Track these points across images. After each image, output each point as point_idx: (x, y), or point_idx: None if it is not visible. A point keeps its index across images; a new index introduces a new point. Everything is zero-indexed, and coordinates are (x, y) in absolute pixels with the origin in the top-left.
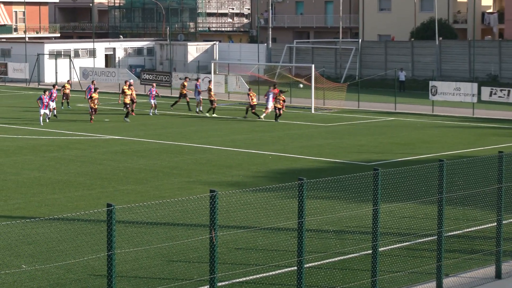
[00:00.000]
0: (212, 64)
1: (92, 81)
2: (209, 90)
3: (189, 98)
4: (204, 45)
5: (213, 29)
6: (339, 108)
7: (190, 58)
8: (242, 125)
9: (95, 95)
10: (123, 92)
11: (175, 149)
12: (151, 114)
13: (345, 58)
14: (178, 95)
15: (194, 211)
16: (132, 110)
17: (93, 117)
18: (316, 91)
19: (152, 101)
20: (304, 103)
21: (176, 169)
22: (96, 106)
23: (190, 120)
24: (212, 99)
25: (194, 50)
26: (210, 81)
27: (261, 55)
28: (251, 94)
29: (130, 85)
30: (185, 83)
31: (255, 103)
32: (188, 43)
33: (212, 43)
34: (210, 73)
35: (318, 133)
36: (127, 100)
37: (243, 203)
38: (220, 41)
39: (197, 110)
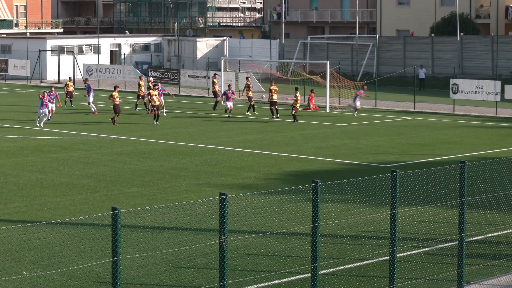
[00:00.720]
0: (222, 60)
1: (86, 80)
2: (213, 83)
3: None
4: (214, 41)
5: (223, 24)
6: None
7: (199, 54)
8: (253, 125)
9: (115, 94)
10: (149, 94)
11: (183, 150)
12: (164, 114)
13: (362, 55)
14: (212, 95)
15: (203, 215)
16: (149, 110)
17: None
18: (331, 89)
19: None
20: (320, 102)
21: (184, 170)
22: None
23: (199, 120)
24: (215, 91)
25: (204, 46)
26: (215, 75)
27: (273, 51)
28: (273, 90)
29: (154, 85)
30: (215, 80)
31: (276, 100)
32: (197, 39)
33: (222, 38)
34: (220, 70)
35: (333, 133)
36: (156, 102)
37: (254, 207)
38: (230, 37)
39: (228, 115)
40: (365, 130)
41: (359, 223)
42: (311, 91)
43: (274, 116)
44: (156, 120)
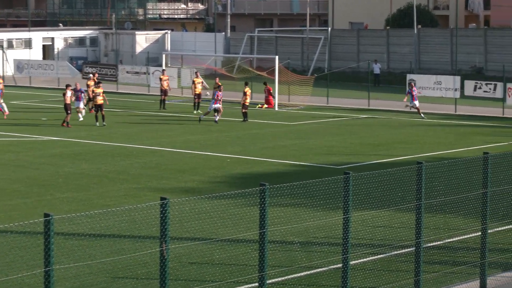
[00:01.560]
0: (164, 55)
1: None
2: (160, 80)
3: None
4: (154, 35)
5: (165, 16)
6: (306, 104)
7: (139, 49)
8: (197, 125)
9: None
10: (93, 92)
11: (121, 152)
12: (216, 120)
13: (313, 49)
14: (161, 93)
15: (143, 221)
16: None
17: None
18: (280, 86)
19: (215, 106)
20: (260, 99)
21: (123, 174)
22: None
23: (138, 119)
24: (164, 88)
25: (143, 40)
26: (163, 70)
27: (218, 45)
28: (247, 92)
29: (98, 82)
30: (163, 77)
31: (248, 102)
32: (137, 32)
33: (163, 32)
34: (161, 65)
35: (282, 132)
36: (100, 101)
37: (198, 212)
38: (172, 30)
39: (216, 120)
40: (316, 129)
41: (309, 228)
42: (265, 83)
43: (245, 119)
44: (102, 121)
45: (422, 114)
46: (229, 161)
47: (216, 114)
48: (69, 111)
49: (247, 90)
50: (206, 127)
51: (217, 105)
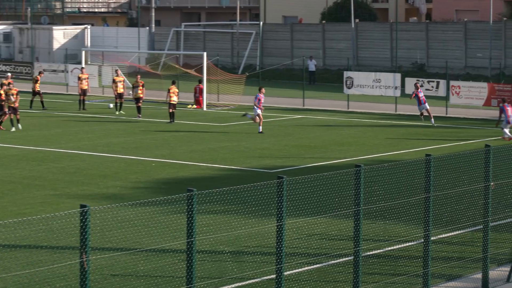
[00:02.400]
0: (83, 52)
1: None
2: (36, 81)
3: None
4: (73, 30)
5: (84, 10)
6: (237, 104)
7: (56, 45)
8: (119, 126)
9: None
10: (6, 94)
11: (37, 156)
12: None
13: (244, 45)
14: (114, 95)
15: (61, 231)
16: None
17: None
18: (209, 84)
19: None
20: (191, 99)
21: (39, 179)
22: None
23: (57, 120)
24: (38, 90)
25: (61, 35)
26: (41, 72)
27: (142, 41)
28: (172, 90)
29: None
30: (117, 78)
31: (175, 102)
32: (54, 27)
33: (82, 27)
34: (80, 63)
35: (211, 134)
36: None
37: (121, 220)
38: (92, 25)
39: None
40: (248, 130)
41: (241, 237)
42: (199, 81)
43: (171, 120)
44: (17, 124)
45: (432, 120)
46: (154, 165)
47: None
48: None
49: (172, 88)
50: (130, 128)
51: (259, 111)
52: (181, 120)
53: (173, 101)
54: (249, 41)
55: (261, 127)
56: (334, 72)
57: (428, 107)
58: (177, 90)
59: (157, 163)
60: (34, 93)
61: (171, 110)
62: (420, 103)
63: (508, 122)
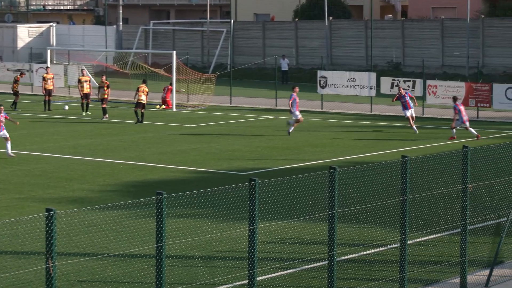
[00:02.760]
0: (48, 51)
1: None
2: (15, 81)
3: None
4: (38, 28)
5: (49, 7)
6: (207, 104)
7: (21, 43)
8: (86, 127)
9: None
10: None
11: (1, 158)
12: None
13: (214, 43)
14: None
15: (27, 236)
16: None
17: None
18: (178, 84)
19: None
20: (157, 99)
21: (4, 182)
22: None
23: (21, 121)
24: (16, 90)
25: (26, 33)
26: (83, 70)
27: (109, 39)
28: (141, 89)
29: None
30: (82, 78)
31: (144, 101)
32: (18, 25)
33: (48, 25)
34: (45, 62)
35: (181, 135)
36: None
37: (88, 225)
38: (58, 23)
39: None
40: (218, 131)
41: (212, 241)
42: (171, 84)
43: (138, 121)
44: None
45: (414, 127)
46: (122, 168)
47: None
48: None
49: (141, 86)
50: (97, 130)
51: (298, 113)
52: (149, 121)
53: (142, 100)
54: (219, 40)
55: (292, 128)
56: (307, 72)
57: (409, 114)
58: (147, 90)
59: (125, 165)
60: (15, 93)
61: (137, 110)
62: (403, 107)
63: (463, 122)
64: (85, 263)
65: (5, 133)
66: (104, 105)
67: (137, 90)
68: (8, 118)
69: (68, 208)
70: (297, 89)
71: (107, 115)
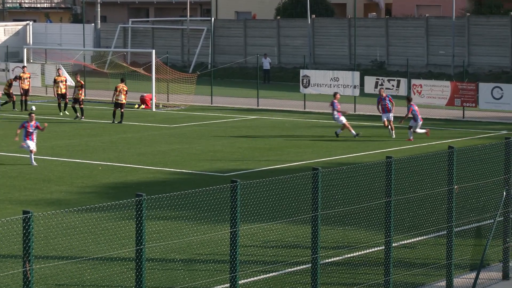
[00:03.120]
0: (25, 50)
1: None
2: (20, 78)
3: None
4: (14, 26)
5: (26, 5)
6: (187, 104)
7: None
8: (64, 128)
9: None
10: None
11: None
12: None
13: (195, 42)
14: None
15: (3, 238)
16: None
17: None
18: (158, 84)
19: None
20: (136, 99)
21: None
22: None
23: None
24: (26, 88)
25: (1, 32)
26: (24, 67)
27: (87, 38)
28: (119, 89)
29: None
30: (58, 78)
31: (123, 101)
32: None
33: (24, 23)
34: (22, 61)
35: (161, 136)
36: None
37: (66, 227)
38: (34, 21)
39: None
40: (199, 132)
41: (193, 244)
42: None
43: (114, 122)
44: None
45: (393, 132)
46: (101, 169)
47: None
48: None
49: (119, 86)
50: (76, 130)
51: (343, 118)
52: (129, 121)
53: (120, 100)
54: (200, 38)
55: (353, 131)
56: (290, 71)
57: (385, 118)
58: (125, 89)
59: (104, 166)
60: (9, 95)
61: (116, 110)
62: (383, 110)
63: (415, 121)
64: (63, 266)
65: (30, 144)
66: (79, 105)
67: (115, 89)
68: (40, 128)
69: (46, 210)
70: (338, 96)
71: (83, 117)
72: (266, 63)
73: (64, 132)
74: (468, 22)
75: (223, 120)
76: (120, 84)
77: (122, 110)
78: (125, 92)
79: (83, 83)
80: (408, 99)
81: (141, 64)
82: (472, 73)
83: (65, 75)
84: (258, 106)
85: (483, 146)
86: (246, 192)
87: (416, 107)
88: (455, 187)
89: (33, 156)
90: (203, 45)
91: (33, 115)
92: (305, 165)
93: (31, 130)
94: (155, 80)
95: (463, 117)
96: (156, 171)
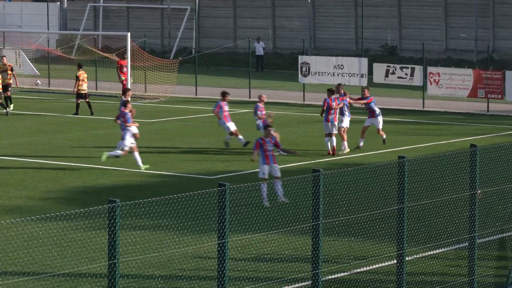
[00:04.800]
0: None
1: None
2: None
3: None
4: None
5: None
6: (168, 96)
7: None
8: (24, 123)
9: None
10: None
11: None
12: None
13: (176, 23)
14: None
15: None
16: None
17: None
18: (134, 72)
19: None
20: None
21: None
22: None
23: None
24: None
25: None
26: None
27: (52, 19)
28: (82, 77)
29: None
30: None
31: (86, 90)
32: None
33: None
34: None
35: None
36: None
37: (28, 238)
38: None
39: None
40: (182, 128)
41: (174, 258)
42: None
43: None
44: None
45: (343, 147)
46: (67, 171)
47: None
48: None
49: (81, 74)
50: (38, 126)
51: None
52: (99, 116)
53: (84, 90)
54: (182, 19)
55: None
56: (287, 57)
57: (345, 125)
58: (86, 75)
59: (72, 168)
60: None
61: (80, 101)
62: (372, 114)
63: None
64: (24, 283)
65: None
66: (8, 93)
67: (77, 79)
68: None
69: (4, 219)
70: (264, 98)
71: (11, 106)
72: (259, 48)
73: (25, 128)
74: (493, 0)
75: (209, 114)
76: (81, 72)
77: (88, 100)
78: (86, 81)
79: (12, 65)
80: (330, 91)
81: (114, 49)
82: (498, 59)
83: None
84: (250, 98)
85: (511, 144)
86: (236, 198)
87: (334, 102)
88: (478, 192)
89: None
90: (186, 27)
91: None
92: (305, 166)
93: None
94: (130, 68)
95: (488, 110)
96: (132, 173)
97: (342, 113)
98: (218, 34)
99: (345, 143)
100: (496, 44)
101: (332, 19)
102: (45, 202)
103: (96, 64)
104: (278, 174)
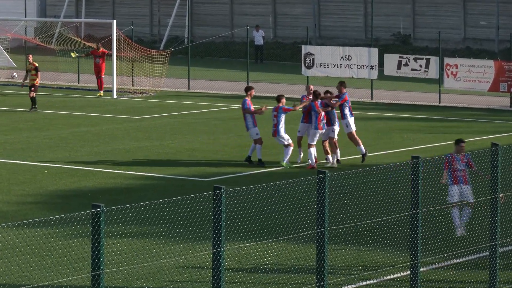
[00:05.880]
0: None
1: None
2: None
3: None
4: None
5: None
6: (158, 90)
7: None
8: (0, 120)
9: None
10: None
11: None
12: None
13: (167, 10)
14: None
15: None
16: None
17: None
18: (120, 64)
19: None
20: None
21: None
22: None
23: None
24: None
25: None
26: None
27: (30, 5)
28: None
29: None
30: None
31: (38, 83)
32: None
33: None
34: None
35: (124, 130)
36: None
37: (3, 247)
38: None
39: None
40: (173, 125)
41: (165, 268)
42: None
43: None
44: None
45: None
46: (47, 173)
47: None
48: None
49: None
50: (14, 123)
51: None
52: (82, 112)
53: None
54: (174, 6)
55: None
56: (289, 47)
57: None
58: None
59: (51, 169)
60: None
61: (33, 95)
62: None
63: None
64: None
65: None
66: (33, 94)
67: (31, 69)
68: None
69: None
70: (253, 91)
71: (36, 106)
72: (259, 37)
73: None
74: None
75: (204, 110)
76: (32, 61)
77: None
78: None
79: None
80: (315, 94)
81: (98, 39)
82: None
83: None
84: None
85: None
86: (233, 202)
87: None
88: (500, 195)
89: None
90: (178, 14)
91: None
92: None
93: None
94: (116, 59)
95: (511, 106)
96: (118, 175)
97: (332, 121)
98: (213, 22)
99: (329, 156)
100: None
101: (338, 5)
102: (22, 206)
103: (79, 54)
104: (471, 199)
